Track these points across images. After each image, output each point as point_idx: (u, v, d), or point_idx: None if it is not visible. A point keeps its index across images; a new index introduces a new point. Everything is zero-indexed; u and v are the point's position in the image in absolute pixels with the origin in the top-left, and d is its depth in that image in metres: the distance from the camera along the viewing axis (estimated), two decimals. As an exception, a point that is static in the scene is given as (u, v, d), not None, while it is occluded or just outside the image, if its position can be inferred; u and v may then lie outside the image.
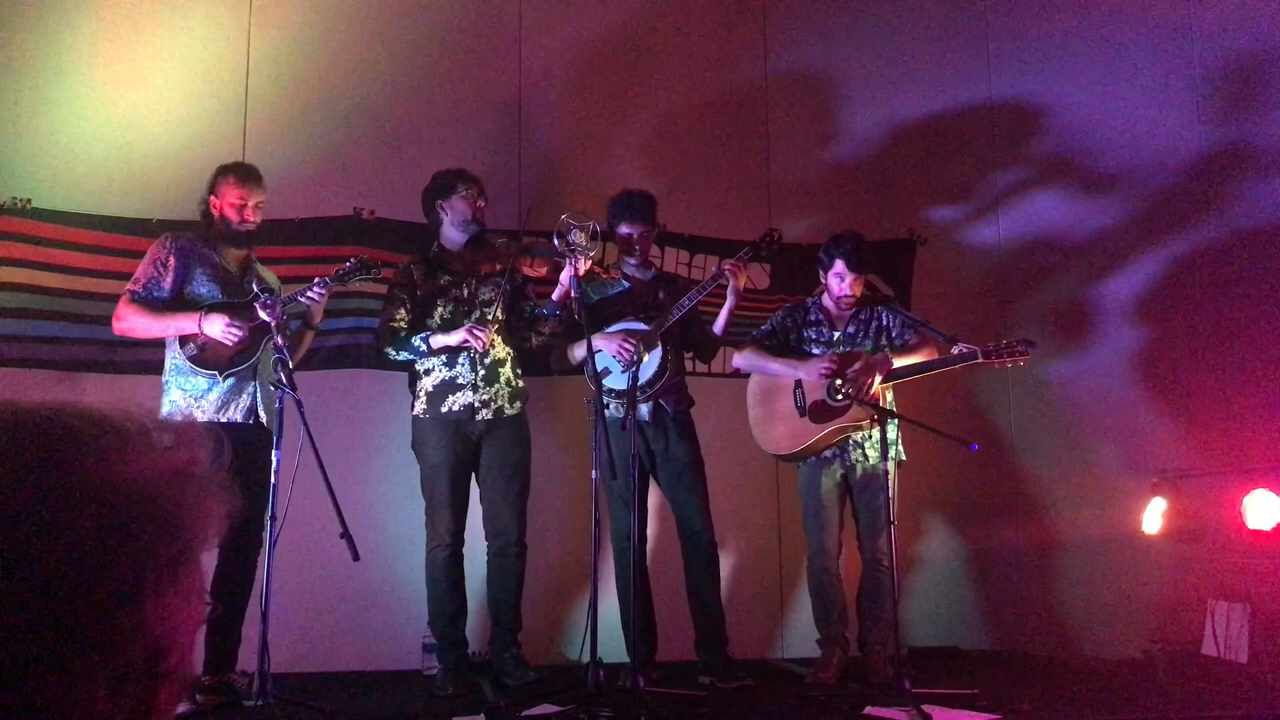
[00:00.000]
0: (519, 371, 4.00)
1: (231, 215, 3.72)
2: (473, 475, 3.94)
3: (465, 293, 3.95)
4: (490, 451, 3.89)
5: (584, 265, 3.77)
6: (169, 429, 0.69)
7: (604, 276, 4.08)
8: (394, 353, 3.91)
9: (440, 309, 3.92)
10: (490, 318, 3.90)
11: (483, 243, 4.02)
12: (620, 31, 4.99)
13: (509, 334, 3.98)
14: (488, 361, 3.88)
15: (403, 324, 3.90)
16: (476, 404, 3.86)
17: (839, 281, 4.17)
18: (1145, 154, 5.23)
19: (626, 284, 4.12)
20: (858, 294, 4.19)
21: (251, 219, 3.74)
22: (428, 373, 3.90)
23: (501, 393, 3.90)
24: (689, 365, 4.34)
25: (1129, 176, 5.22)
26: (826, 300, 4.26)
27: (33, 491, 0.61)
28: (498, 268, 3.99)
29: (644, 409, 3.95)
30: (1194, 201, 5.22)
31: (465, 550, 3.88)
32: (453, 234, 4.02)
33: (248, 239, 3.77)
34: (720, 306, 4.15)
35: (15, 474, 0.61)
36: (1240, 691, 3.76)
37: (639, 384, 3.83)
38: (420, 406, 3.90)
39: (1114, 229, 5.19)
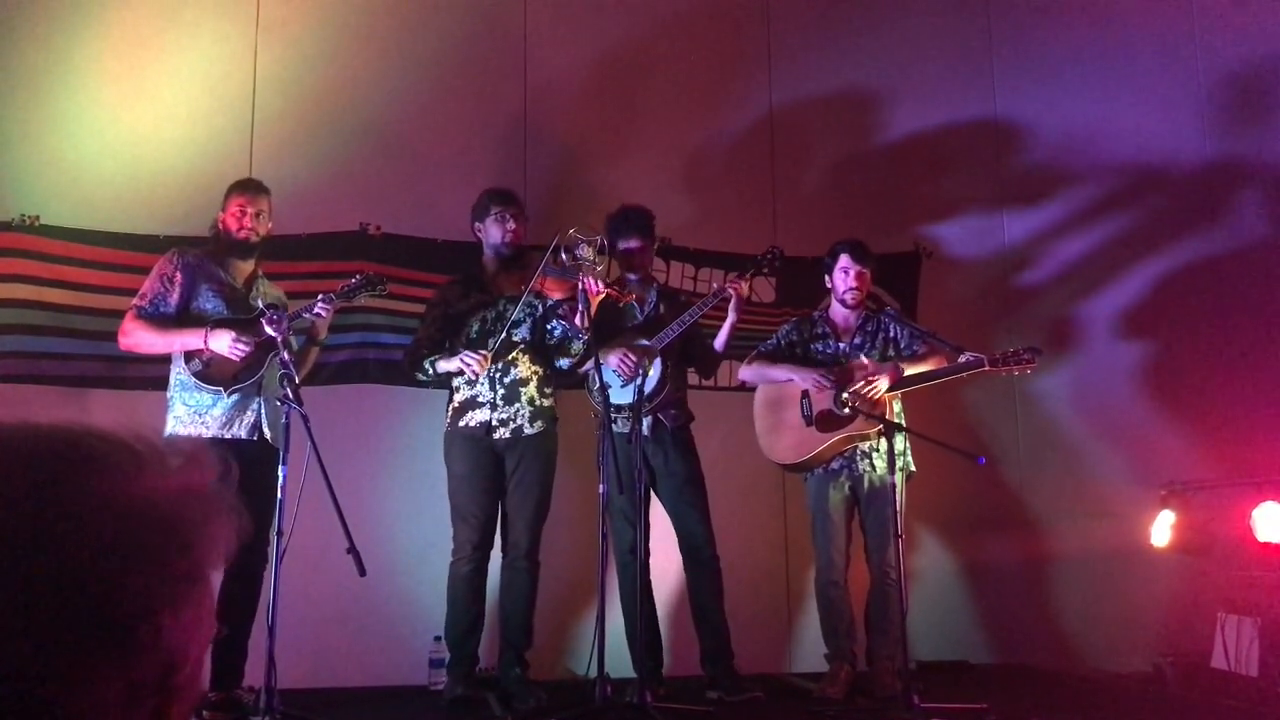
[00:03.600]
0: (547, 391, 3.97)
1: (231, 224, 3.72)
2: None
3: (494, 313, 3.94)
4: (510, 468, 3.89)
5: (597, 284, 3.75)
6: (179, 451, 0.70)
7: (619, 300, 3.95)
8: (414, 373, 3.95)
9: (470, 328, 3.93)
10: (519, 338, 3.91)
11: (520, 262, 3.99)
12: (626, 48, 5.00)
13: (535, 354, 3.97)
14: (508, 380, 3.88)
15: (425, 344, 3.92)
16: (494, 422, 3.85)
17: (844, 276, 4.16)
18: (1150, 165, 5.24)
19: (641, 312, 4.10)
20: (863, 288, 4.18)
21: (250, 226, 3.71)
22: (456, 389, 3.92)
23: (522, 412, 3.88)
24: (693, 379, 4.33)
25: (1134, 187, 5.23)
26: (833, 312, 4.26)
27: (52, 504, 0.62)
28: (524, 288, 3.98)
29: (643, 424, 3.94)
30: (1200, 212, 5.22)
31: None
32: (490, 254, 4.03)
33: (248, 248, 3.74)
34: (722, 322, 4.14)
35: (34, 487, 0.62)
36: (1250, 705, 3.74)
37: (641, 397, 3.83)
38: (448, 420, 3.93)
39: (1120, 240, 5.19)
